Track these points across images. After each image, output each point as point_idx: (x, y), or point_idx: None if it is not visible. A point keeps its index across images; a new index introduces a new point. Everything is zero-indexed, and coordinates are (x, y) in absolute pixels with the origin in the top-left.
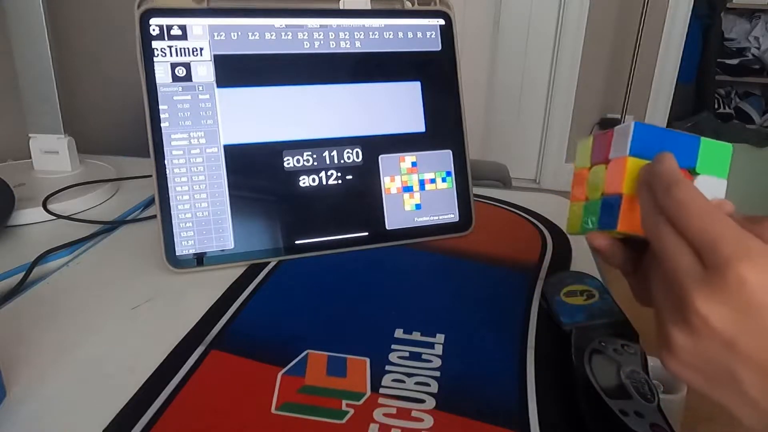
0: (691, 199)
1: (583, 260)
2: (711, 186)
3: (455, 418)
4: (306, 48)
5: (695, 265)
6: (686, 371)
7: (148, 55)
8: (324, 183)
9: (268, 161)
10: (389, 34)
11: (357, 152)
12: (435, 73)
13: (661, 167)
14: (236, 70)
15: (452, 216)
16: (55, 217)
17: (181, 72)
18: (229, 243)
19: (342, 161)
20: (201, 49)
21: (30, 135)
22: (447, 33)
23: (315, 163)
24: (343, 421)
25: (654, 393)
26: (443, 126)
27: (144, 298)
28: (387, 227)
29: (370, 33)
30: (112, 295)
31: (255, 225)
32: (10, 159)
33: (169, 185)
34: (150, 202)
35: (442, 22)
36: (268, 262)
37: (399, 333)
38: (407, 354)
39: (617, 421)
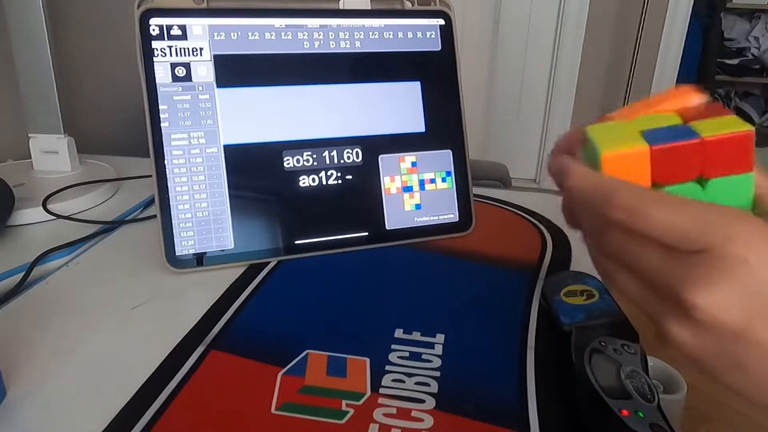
0: (641, 200)
1: (583, 260)
2: None
3: (455, 418)
4: (306, 48)
5: (676, 260)
6: (690, 363)
7: (148, 55)
8: (324, 183)
9: (268, 161)
10: (389, 34)
11: (357, 152)
12: (435, 73)
13: (572, 182)
14: (236, 70)
15: (452, 216)
16: (55, 217)
17: (181, 72)
18: (229, 243)
19: (342, 161)
20: (201, 49)
21: (30, 135)
22: (447, 33)
23: (315, 163)
24: (343, 421)
25: (654, 393)
26: (443, 126)
27: (144, 298)
28: (387, 227)
29: (370, 33)
30: (112, 295)
31: (255, 225)
32: (10, 159)
33: (169, 185)
34: (150, 202)
35: (442, 22)
36: (268, 262)
37: (399, 333)
38: (407, 354)
39: (617, 421)
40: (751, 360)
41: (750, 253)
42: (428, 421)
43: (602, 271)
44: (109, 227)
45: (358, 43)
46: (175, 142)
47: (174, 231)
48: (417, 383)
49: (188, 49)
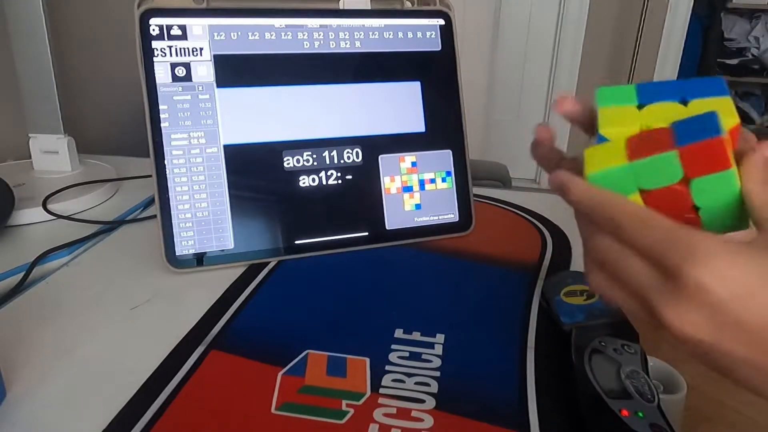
0: (623, 213)
1: (583, 260)
2: None
3: (455, 418)
4: (306, 48)
5: (653, 277)
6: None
7: (148, 55)
8: (324, 183)
9: (268, 161)
10: (389, 34)
11: (357, 152)
12: (435, 73)
13: (572, 197)
14: (236, 70)
15: (452, 216)
16: (55, 217)
17: (181, 72)
18: (229, 243)
19: (342, 161)
20: (201, 49)
21: (30, 135)
22: (447, 33)
23: (315, 163)
24: (343, 421)
25: (654, 393)
26: (443, 126)
27: (144, 298)
28: (387, 227)
29: (370, 33)
30: (112, 295)
31: (255, 225)
32: (10, 159)
33: (169, 185)
34: (150, 202)
35: (442, 22)
36: (268, 262)
37: (399, 333)
38: (407, 354)
39: (617, 421)
40: (737, 369)
41: (704, 275)
42: (428, 421)
43: (589, 279)
44: (109, 227)
45: (358, 43)
46: (175, 142)
47: (174, 231)
48: (417, 383)
49: (188, 49)
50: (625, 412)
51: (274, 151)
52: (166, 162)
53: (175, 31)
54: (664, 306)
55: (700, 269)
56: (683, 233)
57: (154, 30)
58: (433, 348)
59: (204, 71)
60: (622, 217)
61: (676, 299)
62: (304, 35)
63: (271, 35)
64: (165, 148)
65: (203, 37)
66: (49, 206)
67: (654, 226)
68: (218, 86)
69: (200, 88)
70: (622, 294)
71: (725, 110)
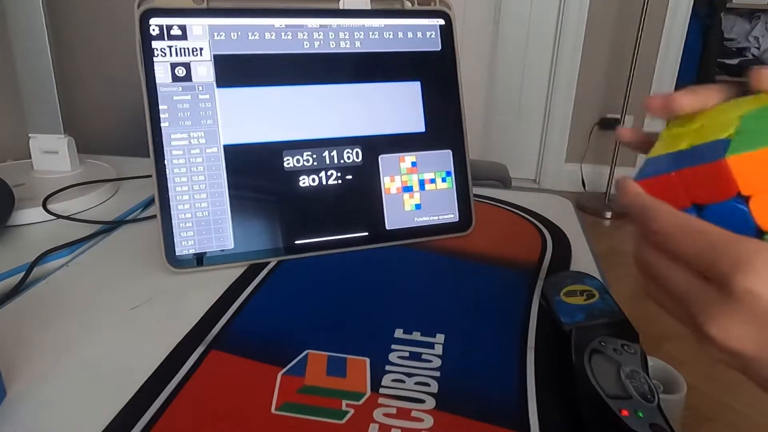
0: (668, 224)
1: (583, 260)
2: None
3: (455, 418)
4: (306, 48)
5: (700, 289)
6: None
7: (148, 55)
8: (324, 183)
9: (268, 161)
10: (389, 34)
11: (357, 152)
12: (435, 73)
13: (625, 200)
14: (236, 70)
15: (452, 216)
16: (55, 217)
17: (181, 72)
18: (228, 243)
19: (342, 161)
20: (201, 49)
21: (30, 135)
22: (447, 33)
23: (315, 163)
24: (343, 421)
25: (654, 393)
26: (443, 126)
27: (144, 298)
28: (387, 227)
29: (370, 33)
30: (112, 295)
31: (255, 225)
32: (10, 159)
33: (169, 185)
34: (150, 202)
35: (442, 22)
36: (268, 262)
37: (399, 333)
38: (407, 354)
39: (617, 421)
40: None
41: (755, 283)
42: (428, 421)
43: (644, 288)
44: (109, 227)
45: (358, 43)
46: (175, 142)
47: (174, 231)
48: (417, 383)
49: (188, 49)
50: (625, 412)
51: (274, 151)
52: (166, 162)
53: (175, 31)
54: (708, 319)
55: (750, 277)
56: (733, 240)
57: (154, 30)
58: (433, 348)
59: (204, 71)
60: (668, 227)
61: (722, 309)
62: (304, 35)
63: (271, 35)
64: (165, 148)
65: (203, 37)
66: (49, 206)
67: (703, 231)
68: (218, 86)
69: (200, 88)
70: (670, 303)
71: None
